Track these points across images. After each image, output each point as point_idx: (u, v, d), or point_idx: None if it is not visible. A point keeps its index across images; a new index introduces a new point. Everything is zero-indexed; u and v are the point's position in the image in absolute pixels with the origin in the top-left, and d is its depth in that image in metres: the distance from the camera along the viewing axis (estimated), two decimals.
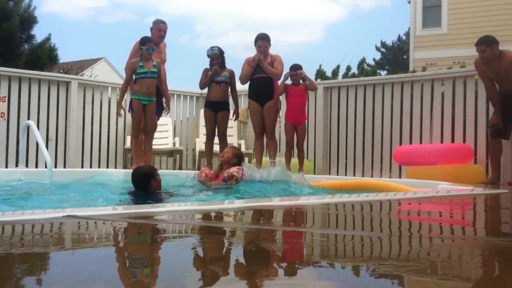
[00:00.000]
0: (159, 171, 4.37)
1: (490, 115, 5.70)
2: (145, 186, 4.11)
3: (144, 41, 6.03)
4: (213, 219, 2.23)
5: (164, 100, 6.40)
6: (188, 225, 1.99)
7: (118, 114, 6.55)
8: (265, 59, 6.18)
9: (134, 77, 6.09)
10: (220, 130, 6.44)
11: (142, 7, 71.21)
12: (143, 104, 6.04)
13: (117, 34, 66.81)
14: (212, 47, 6.30)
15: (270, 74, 6.11)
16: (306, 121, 6.47)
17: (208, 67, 6.40)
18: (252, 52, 6.30)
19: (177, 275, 1.20)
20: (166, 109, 6.43)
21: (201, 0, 74.61)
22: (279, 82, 6.23)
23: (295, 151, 6.43)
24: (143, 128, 6.24)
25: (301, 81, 6.26)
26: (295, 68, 6.19)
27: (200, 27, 67.58)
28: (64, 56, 42.13)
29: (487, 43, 5.38)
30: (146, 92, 6.01)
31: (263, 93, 6.19)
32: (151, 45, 6.01)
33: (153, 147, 7.44)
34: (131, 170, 6.73)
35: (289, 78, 6.18)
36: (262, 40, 6.18)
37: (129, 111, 6.43)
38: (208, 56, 6.32)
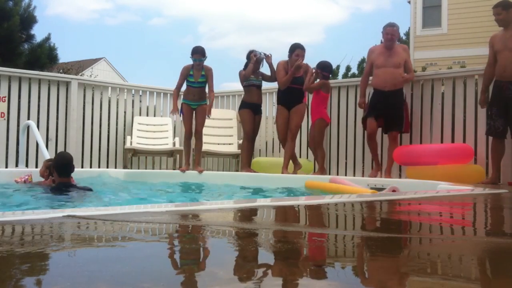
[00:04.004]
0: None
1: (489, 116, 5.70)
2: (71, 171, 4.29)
3: (192, 52, 6.30)
4: (213, 219, 2.23)
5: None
6: (188, 225, 1.99)
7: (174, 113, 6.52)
8: (299, 71, 6.30)
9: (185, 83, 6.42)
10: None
11: (145, 9, 71.37)
12: (192, 108, 6.31)
13: (120, 35, 67.07)
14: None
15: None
16: (320, 119, 6.43)
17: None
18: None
19: (177, 275, 1.20)
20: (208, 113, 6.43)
21: (204, 2, 74.76)
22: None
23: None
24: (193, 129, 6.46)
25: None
26: (322, 66, 6.38)
27: (202, 29, 67.68)
28: (67, 57, 42.26)
29: (503, 6, 5.43)
30: (193, 99, 6.35)
31: (293, 100, 6.35)
32: (197, 56, 6.26)
33: (153, 147, 7.47)
34: (131, 170, 6.80)
35: (313, 75, 6.36)
36: (301, 50, 6.32)
37: (180, 115, 6.56)
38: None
